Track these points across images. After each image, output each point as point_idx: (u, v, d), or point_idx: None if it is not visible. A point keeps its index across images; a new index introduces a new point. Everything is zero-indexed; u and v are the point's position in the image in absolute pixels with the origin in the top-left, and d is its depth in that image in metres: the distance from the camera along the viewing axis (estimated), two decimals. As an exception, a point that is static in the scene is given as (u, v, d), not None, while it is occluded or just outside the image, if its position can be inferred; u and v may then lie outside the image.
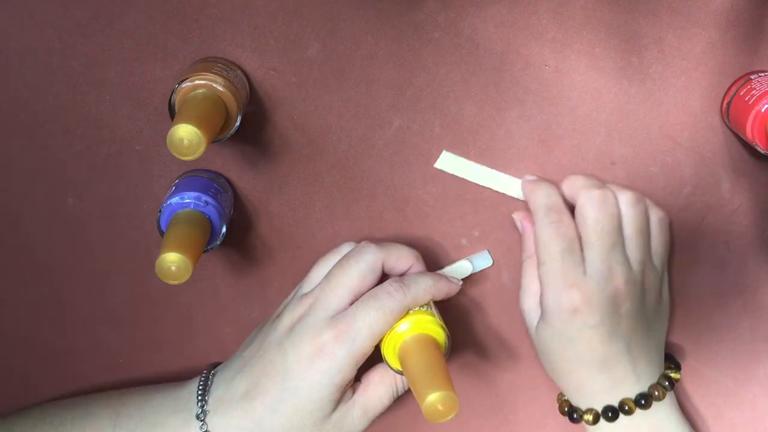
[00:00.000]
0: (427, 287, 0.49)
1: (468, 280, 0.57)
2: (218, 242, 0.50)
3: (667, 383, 0.53)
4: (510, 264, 0.57)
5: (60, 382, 0.58)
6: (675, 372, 0.54)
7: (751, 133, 0.50)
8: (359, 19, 0.51)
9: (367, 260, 0.49)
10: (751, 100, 0.50)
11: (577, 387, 0.53)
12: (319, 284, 0.51)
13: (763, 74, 0.52)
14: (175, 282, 0.45)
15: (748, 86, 0.51)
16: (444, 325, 0.49)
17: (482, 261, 0.57)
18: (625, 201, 0.52)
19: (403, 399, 0.52)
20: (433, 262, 0.57)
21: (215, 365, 0.54)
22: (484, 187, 0.55)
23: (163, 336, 0.58)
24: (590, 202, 0.51)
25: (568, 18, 0.52)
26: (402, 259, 0.51)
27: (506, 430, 0.61)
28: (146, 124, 0.53)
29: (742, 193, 0.56)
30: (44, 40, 0.51)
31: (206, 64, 0.49)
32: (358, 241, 0.52)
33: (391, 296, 0.48)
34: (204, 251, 0.49)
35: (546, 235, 0.51)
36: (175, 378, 0.56)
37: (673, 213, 0.56)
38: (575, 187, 0.53)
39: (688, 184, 0.56)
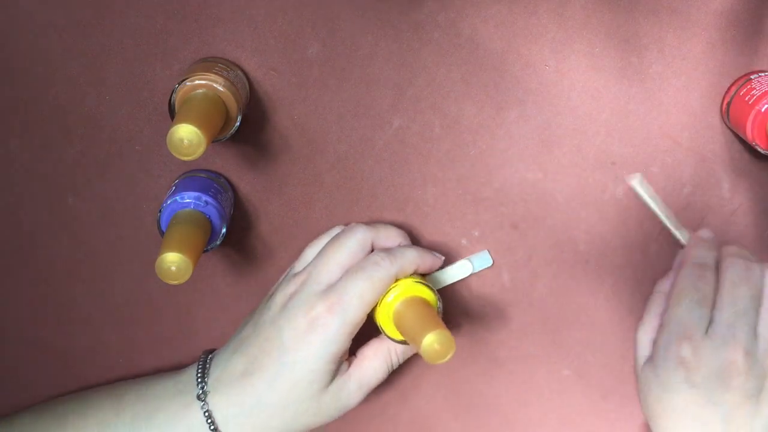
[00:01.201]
0: (412, 257, 0.51)
1: (468, 280, 0.57)
2: (218, 242, 0.50)
3: None
4: (510, 264, 0.57)
5: (60, 382, 0.58)
6: None
7: (751, 133, 0.50)
8: (359, 19, 0.51)
9: (357, 238, 0.51)
10: (751, 100, 0.50)
11: None
12: (311, 262, 0.52)
13: (763, 74, 0.52)
14: (175, 282, 0.45)
15: (748, 86, 0.51)
16: (433, 287, 0.50)
17: (482, 261, 0.57)
18: None
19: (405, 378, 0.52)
20: (433, 262, 0.57)
21: (211, 351, 0.55)
22: (656, 218, 0.55)
23: (163, 336, 0.58)
24: (734, 266, 0.51)
25: (568, 18, 0.52)
26: (390, 237, 0.53)
27: (506, 430, 0.61)
28: (146, 124, 0.53)
29: (742, 193, 0.56)
30: (44, 40, 0.51)
31: (206, 64, 0.49)
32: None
33: (378, 265, 0.49)
34: (204, 251, 0.49)
35: (684, 282, 0.51)
36: (175, 378, 0.56)
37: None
38: (726, 252, 0.53)
39: (688, 184, 0.56)
